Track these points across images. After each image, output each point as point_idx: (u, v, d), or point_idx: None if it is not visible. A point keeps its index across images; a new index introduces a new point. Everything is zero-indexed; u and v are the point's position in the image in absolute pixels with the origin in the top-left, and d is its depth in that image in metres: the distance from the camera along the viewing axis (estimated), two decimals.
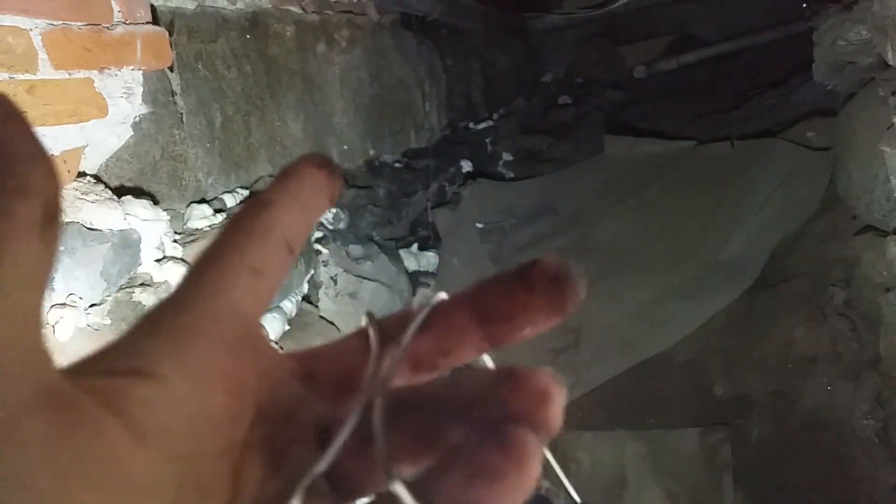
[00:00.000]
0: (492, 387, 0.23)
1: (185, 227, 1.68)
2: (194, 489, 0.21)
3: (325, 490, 0.23)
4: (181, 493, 0.20)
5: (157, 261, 1.46)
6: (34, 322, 0.19)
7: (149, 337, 0.21)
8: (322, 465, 0.23)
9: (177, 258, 1.50)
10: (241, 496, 0.22)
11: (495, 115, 4.13)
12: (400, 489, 0.21)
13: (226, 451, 0.22)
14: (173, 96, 1.68)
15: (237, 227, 0.25)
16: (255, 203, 0.25)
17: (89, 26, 1.38)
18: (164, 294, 1.42)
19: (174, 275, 1.47)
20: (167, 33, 1.62)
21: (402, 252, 2.76)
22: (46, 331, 0.19)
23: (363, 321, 0.27)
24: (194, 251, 1.57)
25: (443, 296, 0.27)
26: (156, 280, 1.44)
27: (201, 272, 0.23)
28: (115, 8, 1.44)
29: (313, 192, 0.26)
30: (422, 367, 0.26)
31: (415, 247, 2.89)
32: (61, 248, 1.22)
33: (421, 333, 0.26)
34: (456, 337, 0.26)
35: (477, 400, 0.23)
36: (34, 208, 0.19)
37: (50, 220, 0.20)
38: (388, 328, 0.27)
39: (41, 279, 0.19)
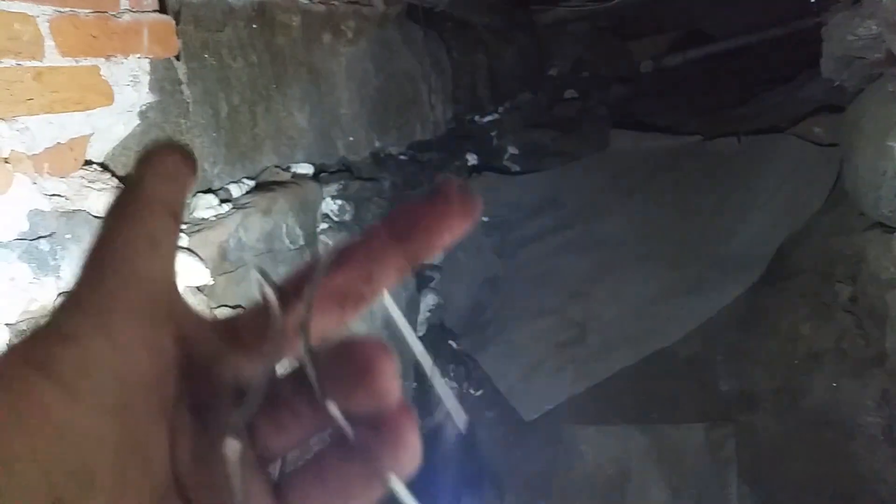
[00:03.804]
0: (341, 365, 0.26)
1: (190, 216, 1.68)
2: (134, 444, 0.23)
3: (249, 450, 0.26)
4: (121, 447, 0.22)
5: None
6: None
7: (71, 310, 0.24)
8: (237, 418, 0.25)
9: (182, 247, 1.50)
10: (178, 450, 0.25)
11: (501, 109, 4.12)
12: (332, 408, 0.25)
13: (158, 409, 0.24)
14: (179, 85, 1.67)
15: (122, 206, 0.27)
16: (128, 186, 0.28)
17: (96, 13, 1.37)
18: None
19: (180, 264, 1.47)
20: (174, 22, 1.61)
21: None
22: None
23: (255, 285, 0.29)
24: (200, 240, 1.57)
25: (342, 239, 0.28)
26: None
27: (105, 248, 0.26)
28: None
29: (176, 165, 0.28)
30: (348, 300, 0.28)
31: None
32: (68, 236, 1.21)
33: (341, 268, 0.28)
34: (377, 262, 0.28)
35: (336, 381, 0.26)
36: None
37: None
38: (295, 280, 0.28)
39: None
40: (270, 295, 0.27)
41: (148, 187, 0.27)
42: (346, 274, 0.28)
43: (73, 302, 0.24)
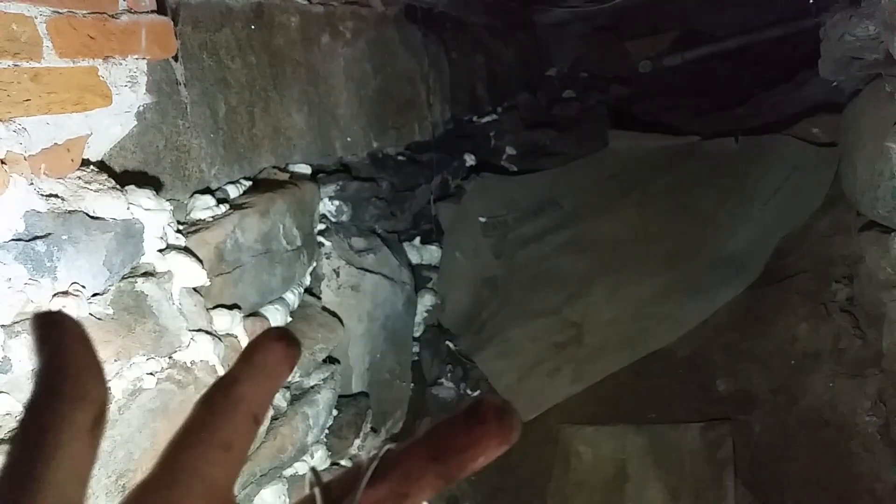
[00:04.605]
0: None
1: (188, 217, 1.68)
2: None
3: None
4: None
5: (160, 251, 1.46)
6: None
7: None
8: None
9: (180, 248, 1.50)
10: None
11: (499, 109, 4.12)
12: None
13: None
14: (177, 86, 1.67)
15: (208, 407, 0.28)
16: (223, 382, 0.29)
17: (94, 14, 1.37)
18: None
19: (177, 265, 1.47)
20: (172, 23, 1.61)
21: (404, 245, 2.76)
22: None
23: (307, 483, 0.30)
24: (197, 241, 1.57)
25: (389, 447, 0.30)
26: (158, 270, 1.44)
27: (180, 450, 0.27)
28: None
29: (275, 363, 0.30)
30: None
31: (417, 240, 2.89)
32: (64, 237, 1.21)
33: (378, 483, 0.29)
34: (413, 479, 0.29)
35: None
36: (89, 414, 0.25)
37: (98, 423, 0.25)
38: (341, 484, 0.29)
39: (87, 472, 0.25)
40: (318, 500, 0.29)
41: (239, 389, 0.29)
42: (384, 489, 0.29)
43: (146, 495, 0.26)
